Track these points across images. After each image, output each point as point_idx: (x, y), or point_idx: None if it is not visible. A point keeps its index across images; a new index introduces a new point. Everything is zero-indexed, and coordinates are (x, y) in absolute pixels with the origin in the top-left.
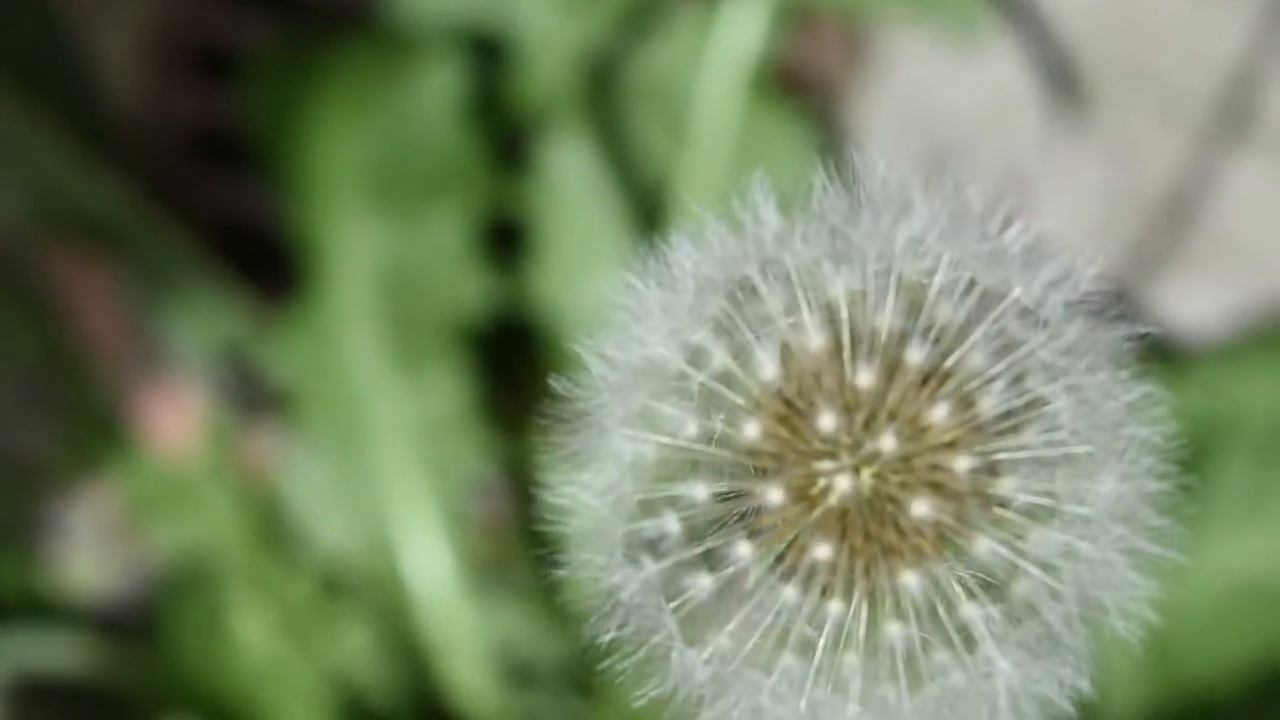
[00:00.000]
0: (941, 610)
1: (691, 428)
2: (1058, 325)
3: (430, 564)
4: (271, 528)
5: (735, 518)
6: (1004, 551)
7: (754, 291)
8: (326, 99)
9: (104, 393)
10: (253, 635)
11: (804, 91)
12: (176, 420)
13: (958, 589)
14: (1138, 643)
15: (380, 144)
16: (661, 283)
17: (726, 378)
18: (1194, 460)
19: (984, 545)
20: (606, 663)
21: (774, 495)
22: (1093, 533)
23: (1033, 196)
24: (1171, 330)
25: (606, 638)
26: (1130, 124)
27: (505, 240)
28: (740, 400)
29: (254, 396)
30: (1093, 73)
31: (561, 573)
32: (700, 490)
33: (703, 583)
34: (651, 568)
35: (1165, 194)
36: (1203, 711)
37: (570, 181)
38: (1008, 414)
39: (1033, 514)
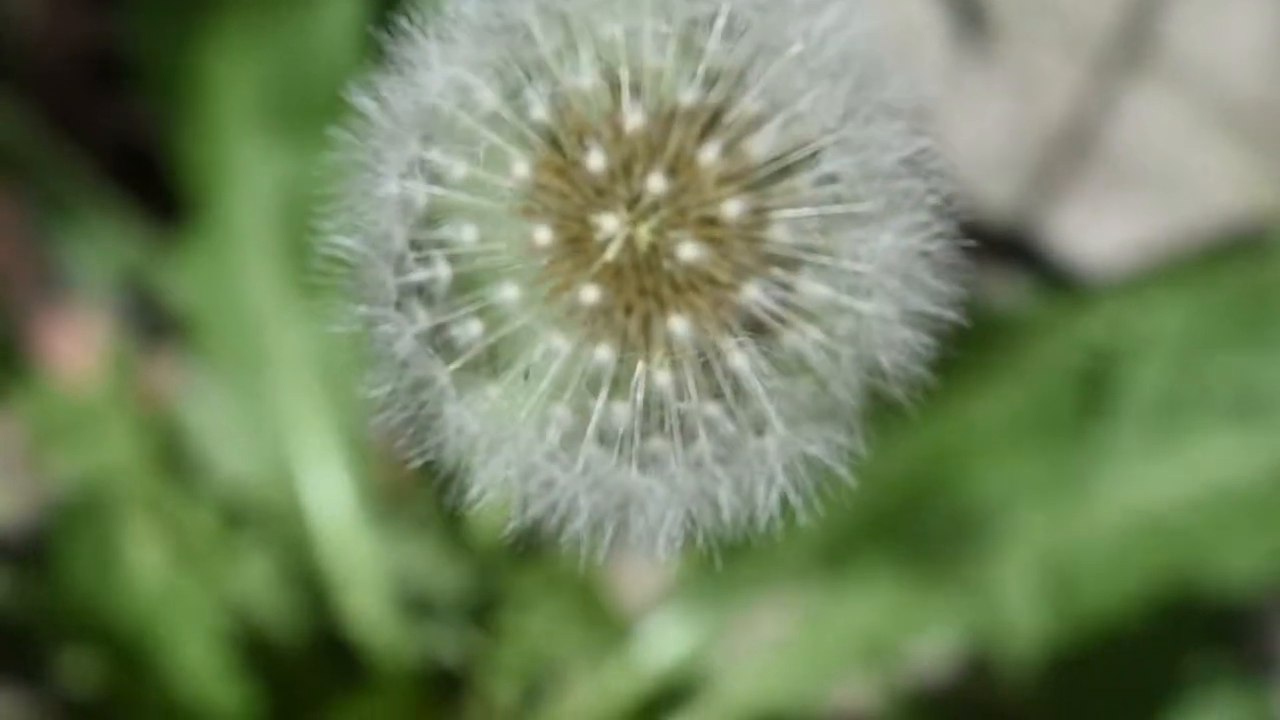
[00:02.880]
0: (711, 360)
1: (459, 171)
2: (835, 75)
3: (330, 494)
4: (171, 456)
5: (502, 262)
6: (772, 301)
7: (531, 38)
8: (222, 22)
9: (3, 320)
10: (149, 565)
11: None
12: (76, 347)
13: (728, 339)
14: (1038, 576)
15: (277, 68)
16: (440, 32)
17: (495, 122)
18: (1095, 393)
19: (752, 293)
20: (381, 418)
21: (542, 235)
22: (867, 287)
23: (938, 128)
24: (1075, 261)
25: (382, 392)
26: (1035, 56)
27: None
28: (509, 142)
29: (154, 323)
30: (998, 5)
31: (338, 330)
32: (468, 232)
33: (473, 330)
34: (422, 317)
35: (1069, 125)
36: (1104, 644)
37: None
38: (782, 165)
39: (806, 266)
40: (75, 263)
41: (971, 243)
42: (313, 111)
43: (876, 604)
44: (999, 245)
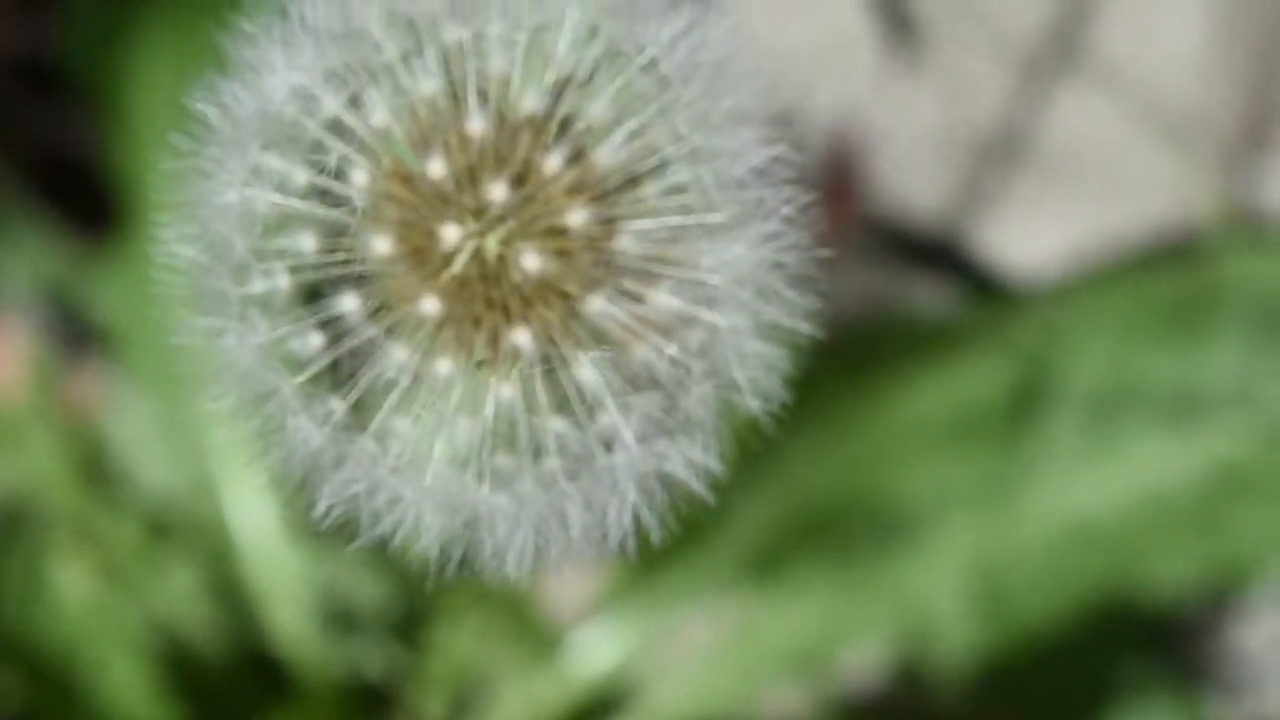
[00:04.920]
0: (558, 373)
1: (300, 179)
2: (685, 81)
3: (254, 507)
4: (95, 469)
5: (342, 273)
6: (620, 313)
7: (375, 43)
8: (149, 31)
9: None
10: (73, 584)
11: None
12: (0, 359)
13: (573, 351)
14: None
15: (203, 79)
16: (284, 36)
17: (337, 128)
18: (1026, 402)
19: (597, 305)
20: (230, 431)
21: (381, 245)
22: (719, 300)
23: (868, 135)
24: (1006, 267)
25: (223, 405)
26: (964, 61)
27: None
28: (352, 152)
29: (78, 335)
30: (927, 11)
31: (181, 341)
32: (307, 241)
33: (313, 343)
34: (264, 328)
35: (999, 131)
36: (1036, 652)
37: None
38: (629, 173)
39: (655, 278)
40: None
41: (900, 248)
42: None
43: (806, 613)
44: (929, 251)
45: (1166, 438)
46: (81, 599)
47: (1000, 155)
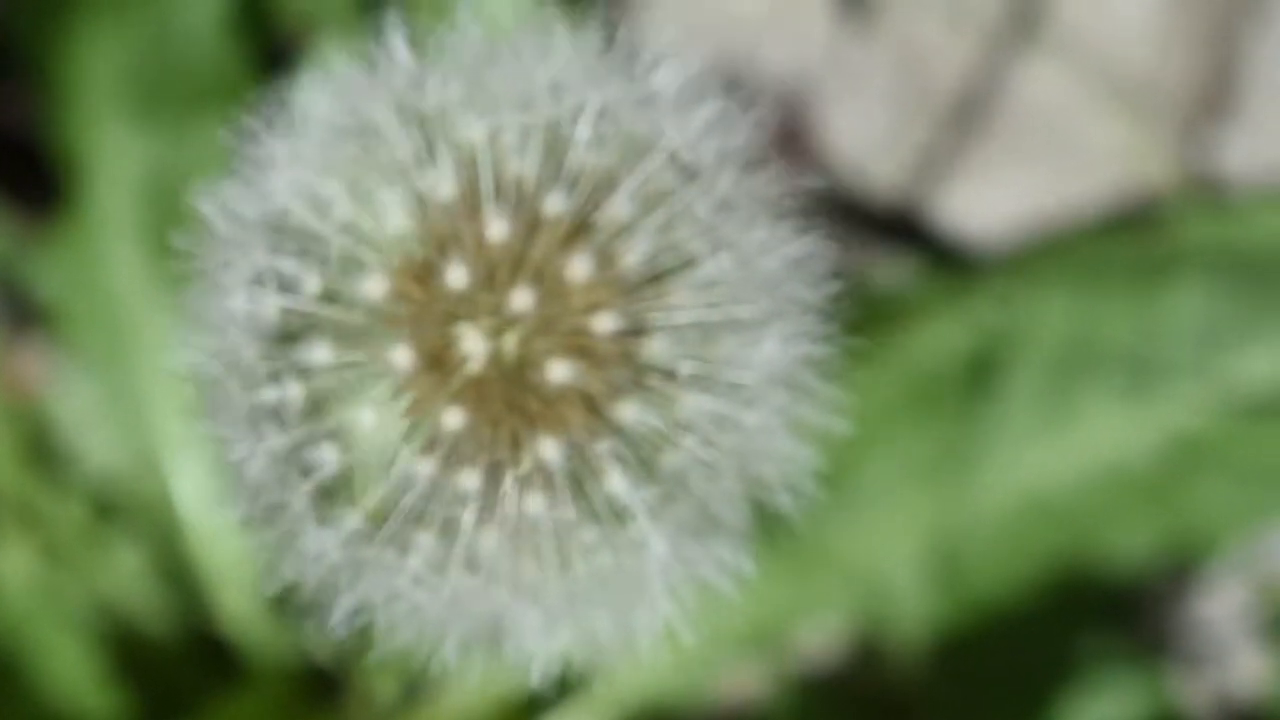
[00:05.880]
0: (587, 484)
1: (312, 284)
2: (711, 176)
3: (200, 486)
4: (40, 449)
5: (359, 383)
6: (653, 420)
7: (385, 138)
8: (92, 8)
9: None
10: (16, 564)
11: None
12: None
13: (604, 461)
14: (925, 558)
15: (142, 52)
16: (287, 130)
17: (351, 230)
18: (983, 373)
19: (631, 413)
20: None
21: (402, 358)
22: (751, 399)
23: (821, 102)
24: (962, 238)
25: (237, 517)
26: (918, 28)
27: None
28: (365, 254)
29: (21, 313)
30: None
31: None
32: (321, 352)
33: (328, 456)
34: (277, 440)
35: (955, 98)
36: (995, 627)
37: None
38: (657, 271)
39: (685, 380)
40: None
41: (855, 217)
42: (179, 97)
43: (762, 590)
44: (884, 223)
45: (1124, 408)
46: (25, 580)
47: (956, 123)
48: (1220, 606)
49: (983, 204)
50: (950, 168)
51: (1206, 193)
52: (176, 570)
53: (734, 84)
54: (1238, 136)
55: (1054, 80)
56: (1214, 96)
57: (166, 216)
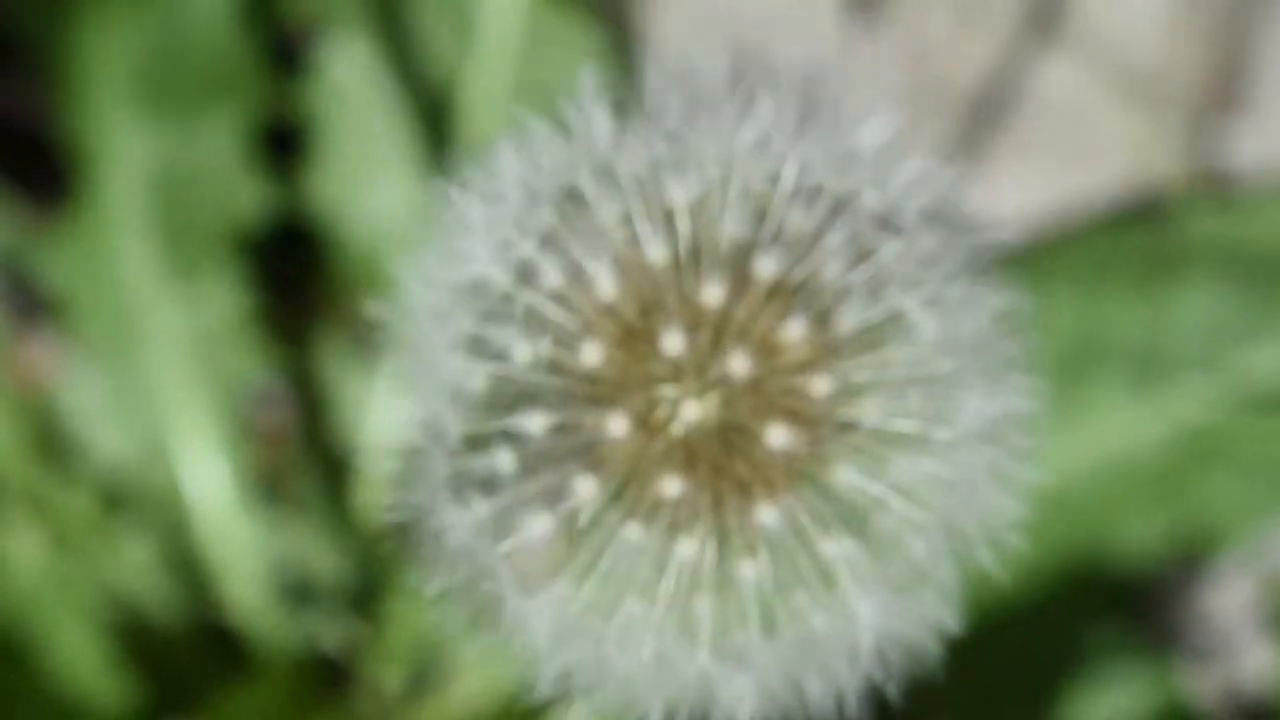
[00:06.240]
0: (799, 548)
1: (523, 353)
2: (914, 232)
3: (209, 477)
4: (48, 439)
5: (573, 451)
6: (867, 483)
7: (586, 202)
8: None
9: None
10: (25, 552)
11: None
12: None
13: (816, 525)
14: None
15: (151, 43)
16: (485, 194)
17: (560, 297)
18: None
19: (845, 477)
20: (439, 614)
21: (616, 426)
22: (959, 458)
23: (831, 98)
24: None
25: (435, 587)
26: (929, 22)
27: (286, 145)
28: (576, 321)
29: (30, 305)
30: None
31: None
32: (536, 422)
33: (540, 523)
34: (483, 509)
35: (966, 94)
36: (1001, 619)
37: (351, 84)
38: (865, 329)
39: (896, 440)
40: None
41: None
42: (188, 89)
43: None
44: None
45: (1133, 402)
46: (34, 570)
47: (967, 118)
48: (1229, 600)
49: (992, 196)
50: (960, 163)
51: (1216, 187)
52: (184, 561)
53: (744, 80)
54: (1248, 131)
55: (1064, 75)
56: (1224, 91)
57: (175, 208)
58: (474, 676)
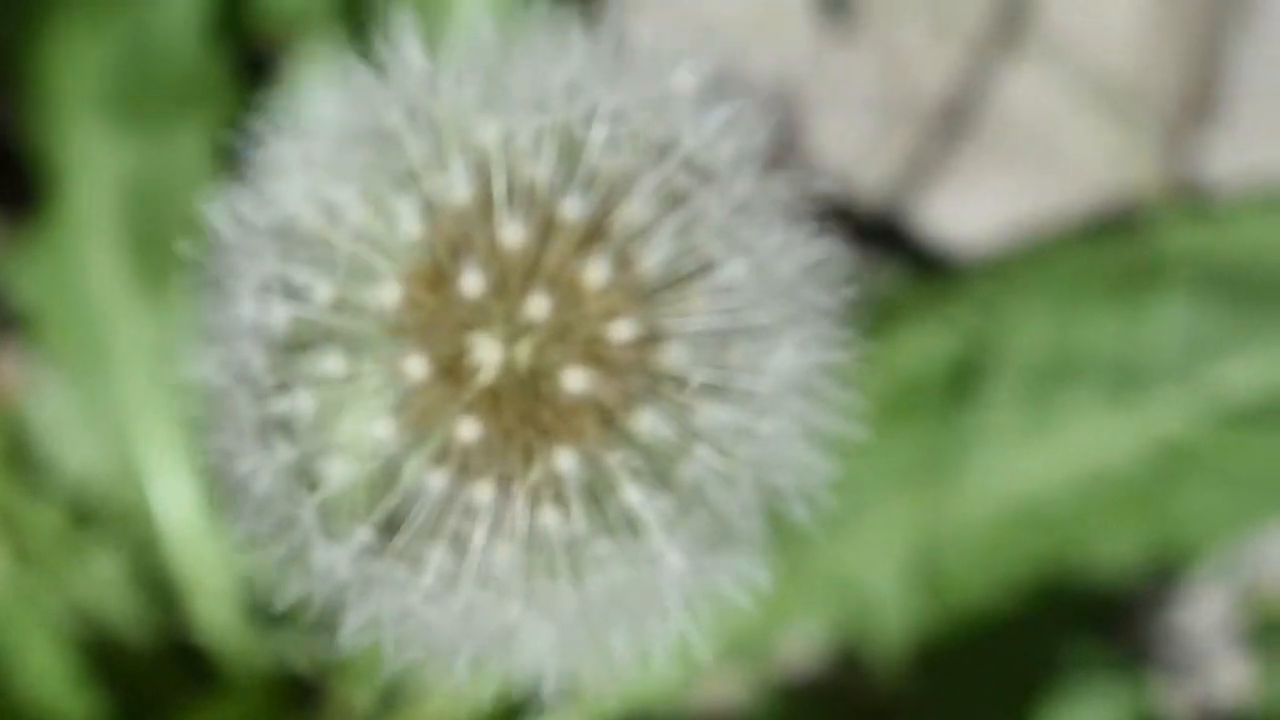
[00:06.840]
0: (607, 497)
1: (323, 293)
2: (729, 178)
3: (178, 493)
4: (16, 455)
5: (374, 394)
6: (670, 430)
7: (399, 141)
8: (64, 7)
9: None
10: None
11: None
12: None
13: (620, 472)
14: (907, 565)
15: (120, 56)
16: (296, 134)
17: (365, 236)
18: (966, 379)
19: (648, 422)
20: (251, 561)
21: (416, 368)
22: (768, 409)
23: (804, 108)
24: (946, 243)
25: (242, 533)
26: (902, 34)
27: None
28: (378, 261)
29: None
30: None
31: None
32: (333, 363)
33: (339, 470)
34: (286, 453)
35: (938, 105)
36: (974, 634)
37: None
38: (674, 276)
39: (701, 388)
40: None
41: (837, 223)
42: (157, 101)
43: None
44: (868, 229)
45: (1108, 415)
46: (1, 585)
47: (940, 128)
48: (1202, 615)
49: (966, 210)
50: (934, 174)
51: (1190, 198)
52: (153, 577)
53: (719, 90)
54: (1222, 142)
55: (1038, 86)
56: (1198, 102)
57: (144, 221)
58: (443, 696)
